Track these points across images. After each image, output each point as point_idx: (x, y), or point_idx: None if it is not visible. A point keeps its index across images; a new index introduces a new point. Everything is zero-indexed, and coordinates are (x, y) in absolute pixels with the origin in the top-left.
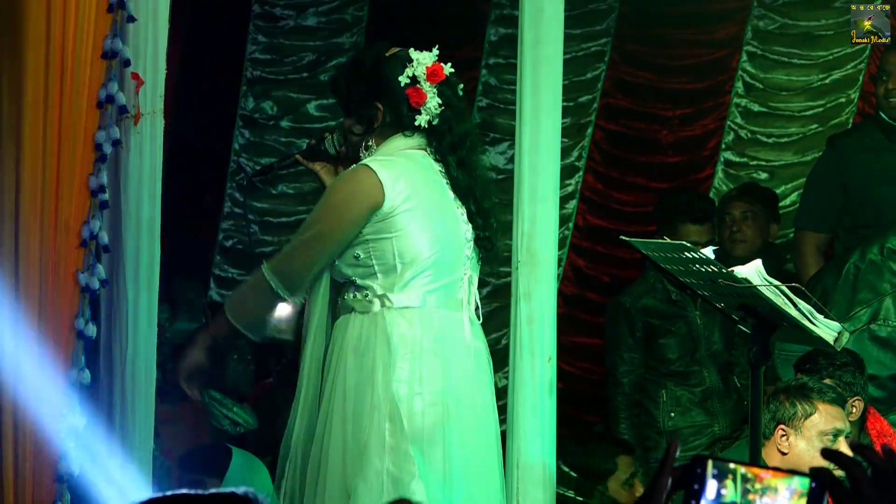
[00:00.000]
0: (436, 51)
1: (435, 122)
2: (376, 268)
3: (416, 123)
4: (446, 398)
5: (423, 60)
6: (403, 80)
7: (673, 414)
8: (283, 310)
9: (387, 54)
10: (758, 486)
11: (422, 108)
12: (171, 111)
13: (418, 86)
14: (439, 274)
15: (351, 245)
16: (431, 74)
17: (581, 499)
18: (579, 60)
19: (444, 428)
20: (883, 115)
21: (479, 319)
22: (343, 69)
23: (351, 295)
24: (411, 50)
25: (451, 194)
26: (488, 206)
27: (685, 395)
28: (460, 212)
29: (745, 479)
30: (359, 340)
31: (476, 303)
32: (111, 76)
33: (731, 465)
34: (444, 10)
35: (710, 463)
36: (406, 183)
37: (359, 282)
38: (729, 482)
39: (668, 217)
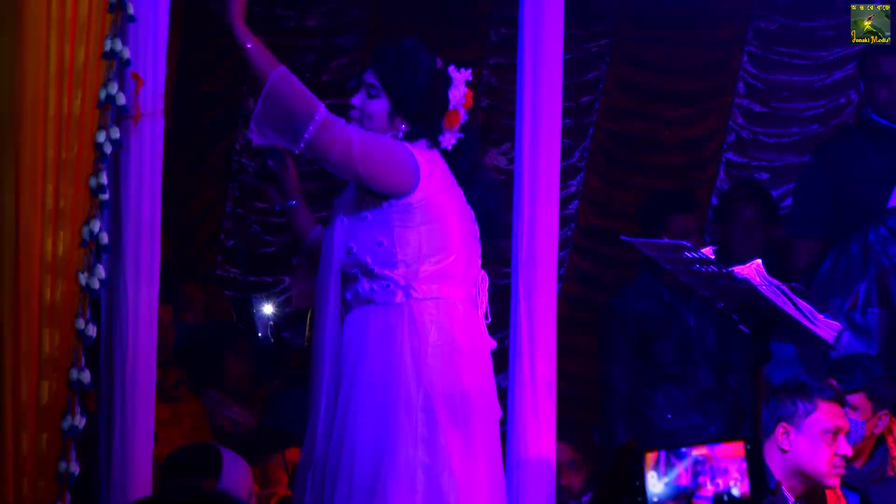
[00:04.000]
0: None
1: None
2: (398, 257)
3: (440, 141)
4: (474, 390)
5: (458, 82)
6: (453, 101)
7: (669, 416)
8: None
9: (439, 68)
10: (708, 467)
11: (447, 130)
12: (171, 111)
13: (458, 110)
14: (458, 272)
15: (373, 229)
16: (468, 100)
17: None
18: (580, 61)
19: (473, 420)
20: (878, 117)
21: (487, 320)
22: (411, 58)
23: (368, 286)
24: (452, 66)
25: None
26: (493, 208)
27: (681, 397)
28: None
29: (696, 461)
30: (383, 332)
31: (486, 304)
32: (111, 76)
33: (682, 450)
34: (445, 10)
35: (649, 456)
36: (438, 178)
37: (376, 271)
38: (680, 467)
39: (656, 214)
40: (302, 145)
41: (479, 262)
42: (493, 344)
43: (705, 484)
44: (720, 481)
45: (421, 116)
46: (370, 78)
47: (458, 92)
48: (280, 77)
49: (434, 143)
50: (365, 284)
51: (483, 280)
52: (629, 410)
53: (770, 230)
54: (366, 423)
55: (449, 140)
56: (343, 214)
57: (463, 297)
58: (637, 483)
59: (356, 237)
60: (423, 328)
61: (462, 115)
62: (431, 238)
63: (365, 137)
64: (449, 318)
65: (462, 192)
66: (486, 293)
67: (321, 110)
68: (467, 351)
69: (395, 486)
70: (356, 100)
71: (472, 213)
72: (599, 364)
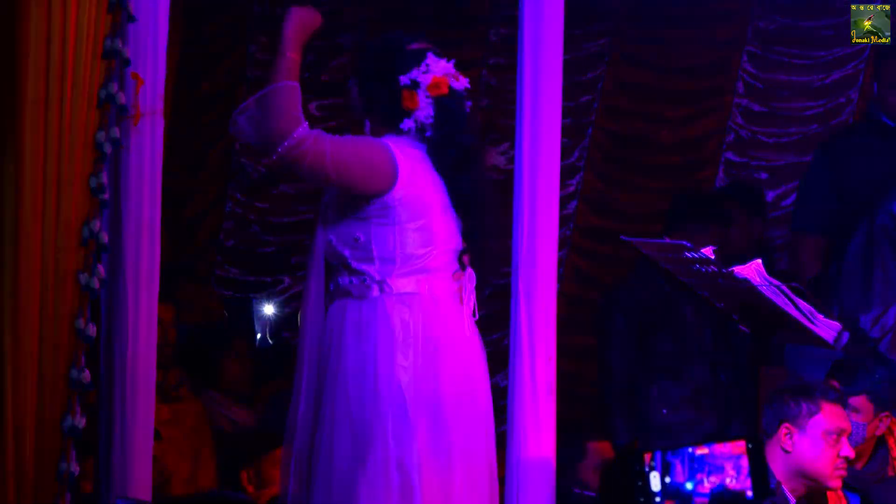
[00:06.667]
0: (450, 64)
1: (427, 134)
2: (374, 254)
3: (402, 126)
4: (448, 385)
5: (433, 68)
6: (405, 79)
7: (665, 410)
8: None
9: (406, 48)
10: (706, 465)
11: (412, 113)
12: (172, 111)
13: (416, 91)
14: (440, 266)
15: (352, 224)
16: (433, 86)
17: None
18: (579, 60)
19: (447, 413)
20: (888, 120)
21: (475, 317)
22: (369, 43)
23: (347, 279)
24: (430, 52)
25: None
26: (489, 222)
27: (676, 392)
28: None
29: (692, 459)
30: (358, 325)
31: (474, 301)
32: (111, 76)
33: (681, 450)
34: (445, 11)
35: (647, 457)
36: (420, 174)
37: (354, 265)
38: (678, 466)
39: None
40: (274, 157)
41: (465, 257)
42: (476, 340)
43: (703, 481)
44: (716, 479)
45: (370, 91)
46: None
47: (424, 74)
48: (282, 89)
49: (394, 128)
50: (345, 277)
51: (470, 278)
52: (626, 400)
53: (754, 225)
54: (341, 417)
55: (408, 124)
56: (328, 207)
57: (443, 291)
58: (639, 483)
59: (336, 230)
60: (396, 323)
61: (422, 100)
62: (411, 235)
63: (339, 147)
64: (424, 313)
65: (446, 189)
66: (473, 291)
67: (300, 130)
68: (443, 346)
69: (368, 481)
70: None
71: (454, 215)
72: (598, 355)
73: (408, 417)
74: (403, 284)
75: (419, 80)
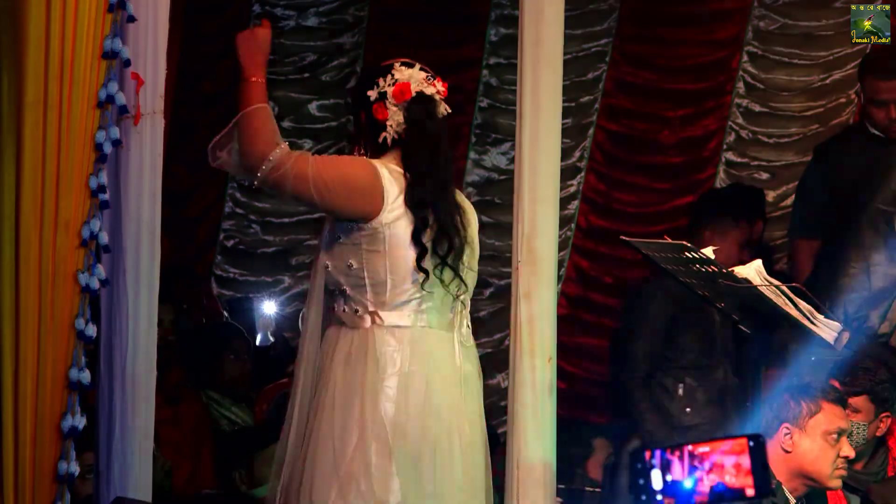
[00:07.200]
0: (420, 69)
1: (399, 141)
2: (367, 281)
3: (379, 140)
4: (432, 419)
5: (397, 76)
6: (373, 94)
7: (689, 409)
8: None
9: (379, 66)
10: (706, 464)
11: (385, 125)
12: (172, 111)
13: (384, 102)
14: (430, 294)
15: (346, 250)
16: (398, 93)
17: (562, 485)
18: (580, 61)
19: (430, 449)
20: (876, 131)
21: (471, 342)
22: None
23: (341, 308)
24: (399, 63)
25: None
26: (452, 231)
27: (701, 391)
28: None
29: (692, 457)
30: (348, 355)
31: (467, 325)
32: (111, 76)
33: (682, 447)
34: (445, 10)
35: (647, 454)
36: (402, 201)
37: (349, 292)
38: (676, 464)
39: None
40: (256, 183)
41: (458, 283)
42: (467, 369)
43: (702, 479)
44: (716, 476)
45: (354, 116)
46: None
47: (390, 85)
48: (254, 112)
49: (375, 145)
50: (340, 303)
51: (465, 304)
52: (649, 389)
53: (755, 226)
54: (326, 445)
55: (382, 135)
56: (327, 231)
57: (433, 322)
58: (641, 481)
59: (333, 256)
60: (383, 357)
61: (390, 108)
62: (399, 262)
63: (322, 170)
64: (412, 346)
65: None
66: (468, 316)
67: (277, 152)
68: (428, 380)
69: None
70: None
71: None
72: (624, 347)
73: (390, 453)
74: (395, 316)
75: (385, 90)
